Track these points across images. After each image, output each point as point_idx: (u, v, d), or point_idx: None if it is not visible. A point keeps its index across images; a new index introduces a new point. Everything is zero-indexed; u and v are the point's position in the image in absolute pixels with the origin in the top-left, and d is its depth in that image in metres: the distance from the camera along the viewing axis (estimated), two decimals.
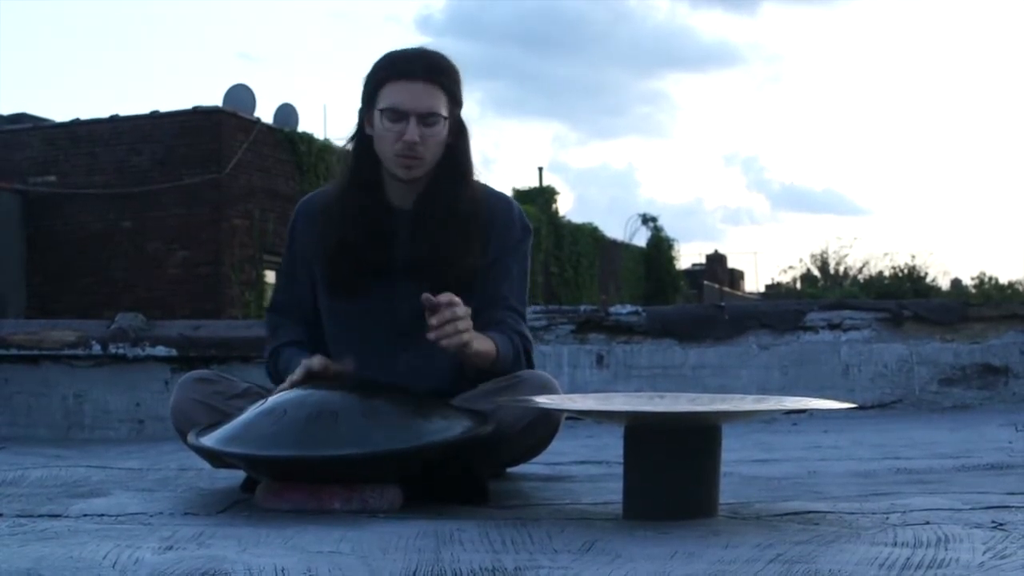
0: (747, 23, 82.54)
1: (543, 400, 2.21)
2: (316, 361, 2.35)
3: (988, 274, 44.28)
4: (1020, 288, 40.19)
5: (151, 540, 1.79)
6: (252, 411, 2.23)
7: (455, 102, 2.46)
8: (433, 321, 2.16)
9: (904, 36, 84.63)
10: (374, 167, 2.49)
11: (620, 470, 2.12)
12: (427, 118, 2.40)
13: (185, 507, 2.26)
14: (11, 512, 2.17)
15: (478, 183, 2.54)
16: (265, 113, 16.49)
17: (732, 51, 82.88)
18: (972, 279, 43.68)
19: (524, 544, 1.77)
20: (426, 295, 2.19)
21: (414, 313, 2.43)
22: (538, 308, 5.16)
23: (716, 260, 37.25)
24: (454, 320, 2.17)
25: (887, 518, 1.97)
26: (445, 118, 2.43)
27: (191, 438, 2.27)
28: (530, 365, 2.53)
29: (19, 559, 1.62)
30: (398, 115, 2.40)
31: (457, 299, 2.20)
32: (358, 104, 2.50)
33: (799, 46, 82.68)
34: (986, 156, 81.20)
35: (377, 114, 2.43)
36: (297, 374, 2.34)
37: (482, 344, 2.32)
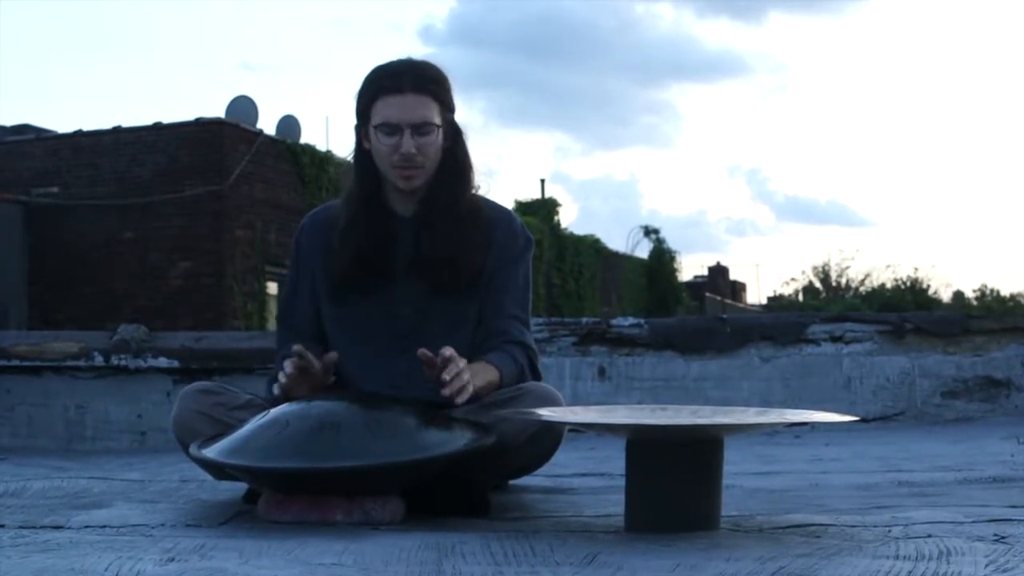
0: (753, 32, 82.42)
1: (545, 412, 2.21)
2: (288, 365, 2.35)
3: (990, 286, 44.25)
4: (1022, 301, 40.17)
5: (153, 552, 1.79)
6: (254, 423, 2.23)
7: (447, 108, 2.52)
8: (445, 377, 2.22)
9: (911, 48, 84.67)
10: (375, 179, 2.54)
11: (622, 482, 2.12)
12: (421, 128, 2.45)
13: (187, 519, 2.26)
14: (13, 523, 2.17)
15: (479, 196, 2.58)
16: (267, 124, 16.53)
17: (738, 61, 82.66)
18: (974, 291, 43.69)
19: (526, 556, 1.77)
20: (422, 350, 2.26)
21: (415, 317, 2.49)
22: (540, 320, 5.16)
23: (718, 272, 37.23)
24: (459, 373, 2.24)
25: (889, 531, 1.97)
26: (438, 126, 2.48)
27: (193, 450, 2.27)
28: (536, 375, 2.55)
29: (21, 571, 1.62)
30: (392, 129, 2.45)
31: (451, 351, 2.26)
32: (354, 120, 2.55)
33: (806, 56, 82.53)
34: (990, 169, 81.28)
35: (372, 130, 2.48)
36: (283, 385, 2.34)
37: (484, 377, 2.38)
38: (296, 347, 2.35)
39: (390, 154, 2.46)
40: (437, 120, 2.47)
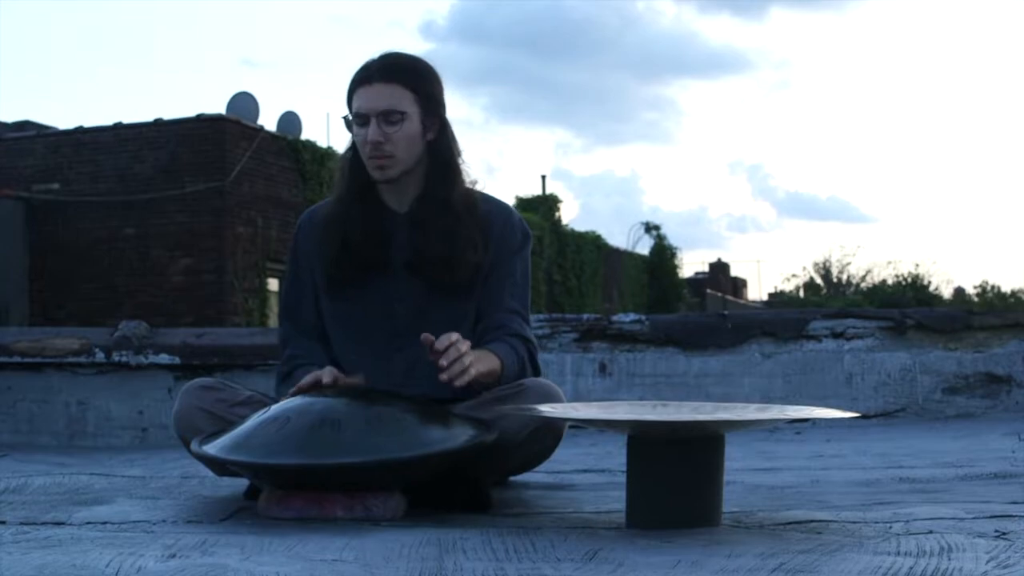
0: (755, 28, 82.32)
1: (546, 409, 2.21)
2: (326, 373, 2.36)
3: (991, 283, 44.22)
4: (1023, 297, 40.15)
5: (154, 548, 1.79)
6: (255, 419, 2.23)
7: (426, 98, 2.49)
8: (443, 363, 2.21)
9: (912, 44, 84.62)
10: (368, 174, 2.52)
11: (623, 479, 2.12)
12: (388, 116, 2.44)
13: (188, 515, 2.26)
14: (14, 520, 2.17)
15: (475, 191, 2.57)
16: (268, 121, 16.54)
17: (740, 57, 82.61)
18: (975, 288, 43.68)
19: (527, 552, 1.77)
20: (425, 335, 2.24)
21: (411, 314, 2.48)
22: (541, 316, 5.16)
23: (719, 268, 37.23)
24: (460, 358, 2.21)
25: (890, 527, 1.97)
26: (404, 113, 2.45)
27: (195, 446, 2.28)
28: (535, 368, 2.54)
29: (22, 567, 1.62)
30: (362, 119, 2.46)
31: (456, 335, 2.24)
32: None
33: (807, 52, 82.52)
34: (991, 165, 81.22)
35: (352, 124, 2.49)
36: (306, 381, 2.34)
37: (486, 364, 2.36)
38: (327, 372, 2.36)
39: (363, 145, 2.47)
40: (406, 108, 2.45)
